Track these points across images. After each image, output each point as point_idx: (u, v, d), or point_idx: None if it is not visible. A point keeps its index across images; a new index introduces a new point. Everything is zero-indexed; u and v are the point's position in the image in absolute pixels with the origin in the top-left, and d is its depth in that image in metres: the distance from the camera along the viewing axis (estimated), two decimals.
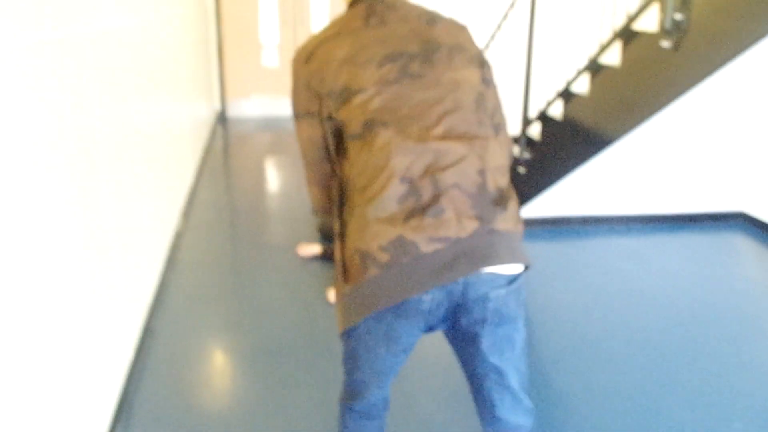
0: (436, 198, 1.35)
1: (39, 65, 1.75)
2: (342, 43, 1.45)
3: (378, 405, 1.68)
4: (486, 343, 1.47)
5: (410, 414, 2.49)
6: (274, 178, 5.82)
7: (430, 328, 1.50)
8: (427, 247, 1.33)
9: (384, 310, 1.38)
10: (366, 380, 1.59)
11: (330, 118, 1.47)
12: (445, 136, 1.39)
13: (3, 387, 1.42)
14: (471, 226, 1.35)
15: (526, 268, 1.48)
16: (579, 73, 3.40)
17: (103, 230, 2.33)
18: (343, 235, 1.45)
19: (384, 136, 1.38)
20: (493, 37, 4.57)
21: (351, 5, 1.54)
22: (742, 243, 4.34)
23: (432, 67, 1.44)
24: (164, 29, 4.08)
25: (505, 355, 1.50)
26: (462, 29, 1.55)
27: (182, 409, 2.50)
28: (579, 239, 4.37)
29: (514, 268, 1.43)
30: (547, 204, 4.49)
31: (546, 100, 3.83)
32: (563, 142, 3.75)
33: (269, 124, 8.00)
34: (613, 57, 3.22)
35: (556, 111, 3.90)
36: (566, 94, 3.61)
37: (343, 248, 1.44)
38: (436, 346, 2.96)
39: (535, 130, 4.15)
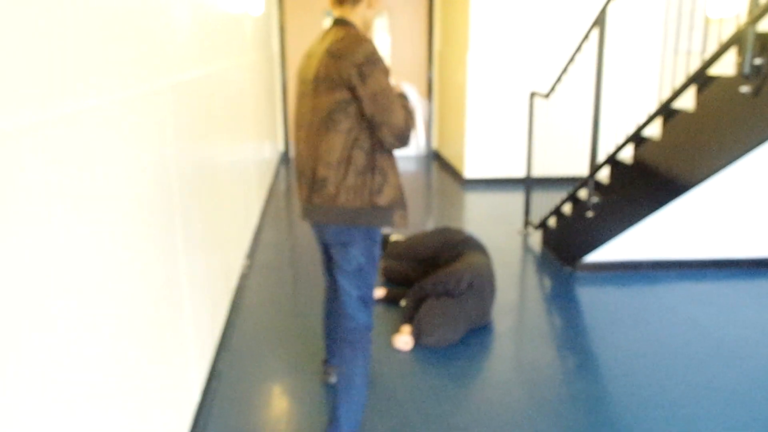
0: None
1: (124, 115, 1.81)
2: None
3: None
4: (335, 258, 2.44)
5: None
6: None
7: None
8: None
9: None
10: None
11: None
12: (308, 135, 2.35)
13: (78, 427, 1.44)
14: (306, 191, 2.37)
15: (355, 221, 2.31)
16: (651, 117, 3.32)
17: (176, 276, 2.37)
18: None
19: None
20: (559, 79, 4.54)
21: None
22: None
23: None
24: (234, 75, 4.20)
25: (343, 266, 2.40)
26: (338, 60, 2.20)
27: None
28: (649, 285, 4.22)
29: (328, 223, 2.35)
30: (615, 247, 4.37)
31: (615, 143, 3.76)
32: (634, 187, 3.65)
33: None
34: (687, 101, 3.14)
35: (626, 154, 3.82)
36: (637, 138, 3.53)
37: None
38: (503, 398, 2.89)
39: (604, 174, 4.07)
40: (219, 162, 3.45)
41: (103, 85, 1.67)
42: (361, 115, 2.22)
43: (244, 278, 4.21)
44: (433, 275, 3.60)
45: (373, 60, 2.18)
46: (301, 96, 2.40)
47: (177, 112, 2.49)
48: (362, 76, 2.16)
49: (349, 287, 2.42)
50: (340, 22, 2.33)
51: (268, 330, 3.58)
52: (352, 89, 2.19)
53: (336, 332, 2.61)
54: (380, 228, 2.37)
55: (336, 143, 2.24)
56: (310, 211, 2.38)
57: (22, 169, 1.20)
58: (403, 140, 2.25)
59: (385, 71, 2.20)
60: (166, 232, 2.26)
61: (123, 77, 1.85)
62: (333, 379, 2.89)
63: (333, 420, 2.47)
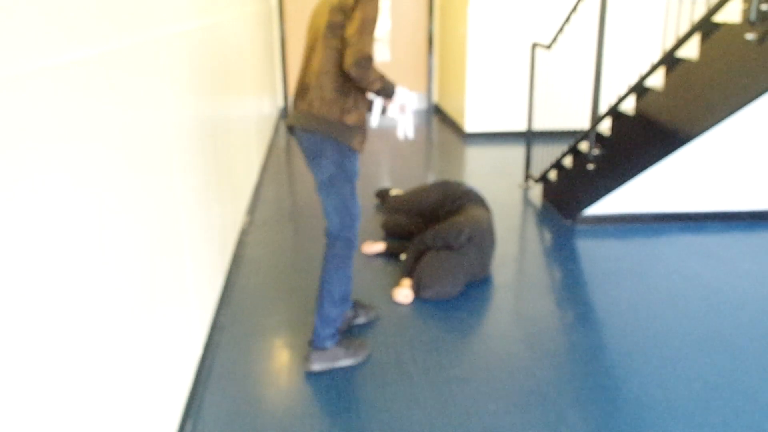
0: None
1: (128, 65, 1.78)
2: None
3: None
4: (312, 173, 2.70)
5: (474, 419, 2.45)
6: None
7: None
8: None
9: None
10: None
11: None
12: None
13: (77, 381, 1.45)
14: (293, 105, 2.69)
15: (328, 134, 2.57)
16: (654, 67, 3.27)
17: (176, 229, 2.37)
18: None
19: None
20: (561, 30, 4.46)
21: None
22: None
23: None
24: (232, 27, 4.12)
25: (317, 177, 2.68)
26: (334, 7, 2.51)
27: (248, 405, 2.53)
28: (650, 237, 4.22)
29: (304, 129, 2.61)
30: (616, 200, 4.35)
31: (617, 94, 3.71)
32: (636, 139, 3.62)
33: None
34: (691, 50, 3.09)
35: (628, 106, 3.77)
36: (639, 89, 3.48)
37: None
38: (503, 350, 2.91)
39: (605, 126, 4.03)
40: (218, 116, 3.41)
41: (96, 34, 1.64)
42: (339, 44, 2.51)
43: (244, 233, 4.21)
44: (433, 228, 3.60)
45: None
46: (312, 41, 2.66)
47: (174, 64, 2.45)
48: (358, 3, 2.45)
49: (324, 197, 2.70)
50: None
51: (269, 285, 3.60)
52: (346, 12, 2.48)
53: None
54: (348, 145, 2.60)
55: (324, 56, 2.54)
56: (294, 117, 2.67)
57: (10, 120, 1.18)
58: (360, 67, 2.41)
59: (377, 9, 2.47)
60: (165, 186, 2.25)
61: (117, 25, 1.81)
62: (361, 320, 3.19)
63: (313, 334, 2.79)
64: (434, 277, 3.33)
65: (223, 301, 3.31)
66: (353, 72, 2.40)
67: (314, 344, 2.77)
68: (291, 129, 2.71)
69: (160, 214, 2.18)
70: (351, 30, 2.42)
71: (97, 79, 1.63)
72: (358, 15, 2.42)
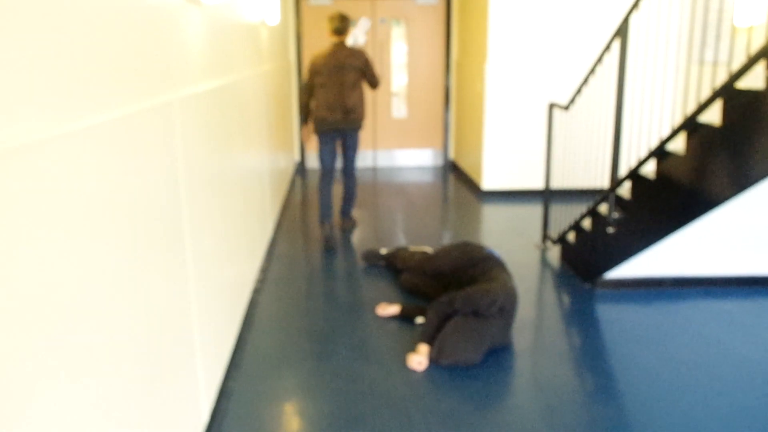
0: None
1: (131, 130, 1.75)
2: (322, 58, 5.17)
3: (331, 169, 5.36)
4: (349, 145, 5.40)
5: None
6: (351, 232, 5.79)
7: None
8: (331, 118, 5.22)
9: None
10: (324, 159, 5.32)
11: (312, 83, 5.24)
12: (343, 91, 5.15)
13: None
14: (341, 116, 5.20)
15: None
16: (675, 131, 3.22)
17: (184, 291, 2.31)
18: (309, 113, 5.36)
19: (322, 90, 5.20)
20: (579, 91, 4.44)
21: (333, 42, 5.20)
22: None
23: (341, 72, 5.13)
24: (248, 85, 4.15)
25: (353, 148, 5.41)
26: (358, 56, 5.15)
27: None
28: (671, 303, 4.10)
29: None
30: (636, 263, 4.25)
31: (637, 156, 3.66)
32: (657, 204, 3.55)
33: None
34: (713, 115, 3.04)
35: (648, 169, 3.71)
36: (660, 153, 3.43)
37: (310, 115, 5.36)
38: (521, 423, 2.79)
39: (625, 188, 3.96)
40: (231, 174, 3.39)
41: (110, 101, 1.61)
42: (365, 81, 5.27)
43: (256, 293, 4.15)
44: (464, 291, 3.47)
45: (369, 59, 5.21)
46: (330, 73, 5.10)
47: (187, 125, 2.43)
48: (367, 66, 5.20)
49: (354, 156, 5.47)
50: (341, 43, 5.17)
51: (281, 348, 3.51)
52: (362, 71, 5.18)
53: (331, 211, 5.39)
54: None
55: (358, 94, 5.21)
56: (343, 123, 5.18)
57: (24, 185, 1.14)
58: (377, 87, 5.37)
59: (372, 63, 5.24)
60: (175, 247, 2.20)
61: (131, 91, 1.79)
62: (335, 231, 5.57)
63: (348, 210, 5.78)
64: (458, 345, 3.23)
65: (233, 364, 3.22)
66: (377, 88, 5.42)
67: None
68: (338, 129, 5.21)
69: (168, 276, 2.13)
70: (370, 79, 5.27)
71: (109, 143, 1.60)
72: (370, 68, 5.23)
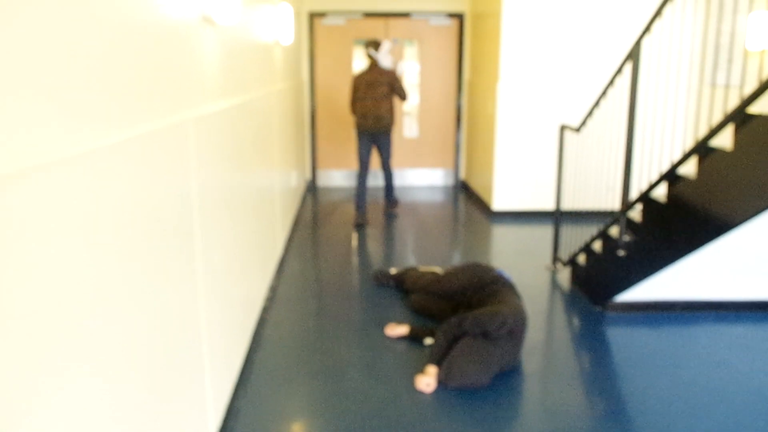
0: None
1: (145, 150, 1.77)
2: (359, 76, 6.54)
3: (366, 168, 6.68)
4: (382, 147, 6.65)
5: None
6: (361, 250, 5.80)
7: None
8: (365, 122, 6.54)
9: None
10: (360, 155, 6.64)
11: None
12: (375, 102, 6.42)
13: None
14: (372, 122, 6.49)
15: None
16: (686, 155, 3.21)
17: (194, 309, 2.32)
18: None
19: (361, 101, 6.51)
20: (591, 114, 4.44)
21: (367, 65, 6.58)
22: None
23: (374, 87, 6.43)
24: (261, 105, 4.18)
25: (387, 150, 6.65)
26: (387, 74, 6.41)
27: None
28: (683, 326, 4.07)
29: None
30: (647, 286, 4.22)
31: (648, 180, 3.65)
32: (668, 227, 3.53)
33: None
34: (725, 139, 3.03)
35: (659, 192, 3.70)
36: (671, 177, 3.42)
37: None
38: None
39: (636, 211, 3.95)
40: (243, 192, 3.41)
41: (125, 121, 1.63)
42: (394, 94, 6.42)
43: (266, 311, 4.15)
44: (473, 313, 3.46)
45: (397, 77, 6.40)
46: (365, 87, 6.35)
47: (200, 144, 2.46)
48: (397, 82, 6.37)
49: (387, 154, 6.62)
50: (374, 64, 6.43)
51: (290, 367, 3.50)
52: (392, 86, 6.35)
53: (365, 198, 6.57)
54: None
55: (388, 104, 6.38)
56: (374, 128, 6.38)
57: (36, 207, 1.16)
58: (405, 100, 6.48)
59: (402, 79, 6.47)
60: (186, 264, 2.21)
61: (145, 112, 1.81)
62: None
63: (390, 196, 7.00)
64: (467, 367, 3.21)
65: (241, 383, 3.22)
66: (405, 100, 6.50)
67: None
68: (371, 132, 6.46)
69: (179, 293, 2.14)
70: (399, 92, 6.40)
71: (123, 162, 1.62)
72: (397, 84, 6.36)
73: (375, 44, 6.40)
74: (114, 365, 1.56)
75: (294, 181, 6.52)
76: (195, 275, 2.35)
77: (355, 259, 5.48)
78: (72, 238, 1.34)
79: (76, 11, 1.41)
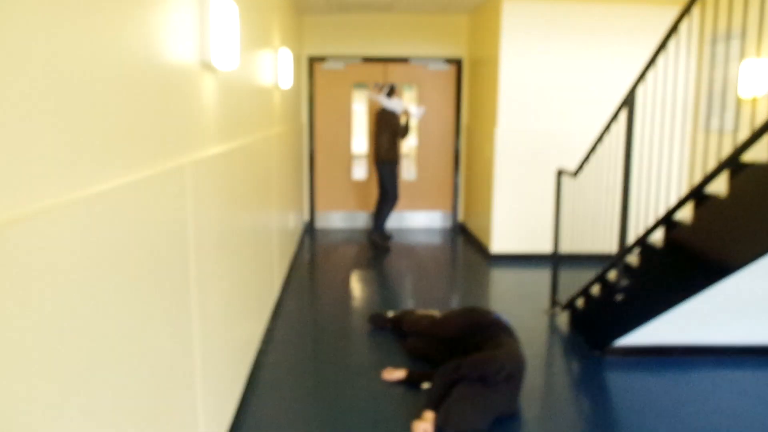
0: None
1: (142, 194, 1.78)
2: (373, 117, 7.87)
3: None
4: (384, 176, 7.61)
5: None
6: (359, 293, 5.78)
7: None
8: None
9: None
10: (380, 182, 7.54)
11: None
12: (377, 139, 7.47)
13: None
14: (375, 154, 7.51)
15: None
16: (681, 201, 3.24)
17: (188, 353, 2.30)
18: None
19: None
20: (587, 159, 4.49)
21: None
22: None
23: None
24: (260, 148, 4.22)
25: (390, 176, 7.52)
26: (392, 116, 7.35)
27: None
28: (683, 372, 4.04)
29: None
30: (646, 331, 4.20)
31: (645, 224, 3.66)
32: (665, 272, 3.54)
33: (356, 236, 8.07)
34: (720, 185, 3.06)
35: (656, 237, 3.71)
36: (667, 222, 3.44)
37: None
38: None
39: (634, 255, 3.95)
40: (240, 234, 3.42)
41: (122, 166, 1.65)
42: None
43: (262, 354, 4.12)
44: (471, 357, 3.43)
45: (398, 119, 7.34)
46: (374, 127, 7.56)
47: (198, 187, 2.47)
48: (397, 123, 7.27)
49: (383, 181, 7.36)
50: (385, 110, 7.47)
51: (284, 411, 3.46)
52: (395, 126, 7.31)
53: (378, 211, 7.48)
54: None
55: (387, 140, 7.24)
56: (378, 159, 7.30)
57: (35, 249, 1.16)
58: (404, 137, 7.48)
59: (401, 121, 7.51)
60: (181, 308, 2.21)
61: (143, 157, 1.84)
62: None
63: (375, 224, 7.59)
64: (464, 413, 3.18)
65: (235, 427, 3.18)
66: (405, 138, 7.55)
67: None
68: (377, 162, 7.33)
69: (172, 337, 2.13)
70: (402, 129, 7.38)
71: (120, 207, 1.63)
72: (398, 125, 7.30)
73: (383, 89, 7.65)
74: (107, 409, 1.54)
75: (292, 222, 6.53)
76: (190, 319, 2.34)
77: (352, 302, 5.46)
78: (66, 281, 1.34)
79: (77, 57, 1.44)
